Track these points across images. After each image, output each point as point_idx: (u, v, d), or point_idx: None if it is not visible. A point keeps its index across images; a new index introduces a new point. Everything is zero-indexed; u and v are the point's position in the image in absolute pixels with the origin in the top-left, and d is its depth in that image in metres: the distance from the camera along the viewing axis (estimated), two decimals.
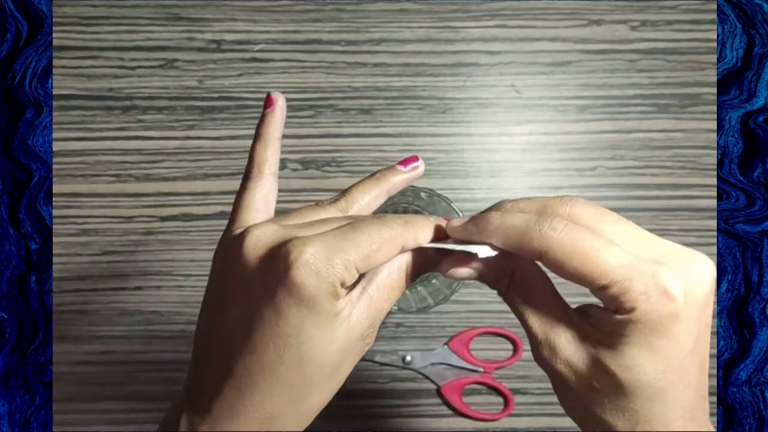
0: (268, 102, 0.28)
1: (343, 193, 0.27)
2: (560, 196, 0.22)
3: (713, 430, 0.23)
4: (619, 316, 0.20)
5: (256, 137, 0.28)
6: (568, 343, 0.22)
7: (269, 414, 0.22)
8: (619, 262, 0.19)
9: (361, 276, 0.23)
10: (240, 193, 0.27)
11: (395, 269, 0.23)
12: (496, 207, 0.23)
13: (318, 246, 0.21)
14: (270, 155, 0.27)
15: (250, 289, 0.22)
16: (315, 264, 0.20)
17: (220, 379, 0.22)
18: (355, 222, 0.22)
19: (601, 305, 0.21)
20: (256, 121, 0.51)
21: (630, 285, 0.19)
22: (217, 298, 0.23)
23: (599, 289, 0.20)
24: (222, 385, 0.22)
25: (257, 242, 0.22)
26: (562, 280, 0.21)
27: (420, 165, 0.29)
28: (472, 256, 0.22)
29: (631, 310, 0.19)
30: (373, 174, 0.28)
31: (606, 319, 0.21)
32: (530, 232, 0.20)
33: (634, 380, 0.21)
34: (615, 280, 0.19)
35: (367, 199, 0.27)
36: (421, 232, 0.23)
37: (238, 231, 0.23)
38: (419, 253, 0.24)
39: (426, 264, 0.24)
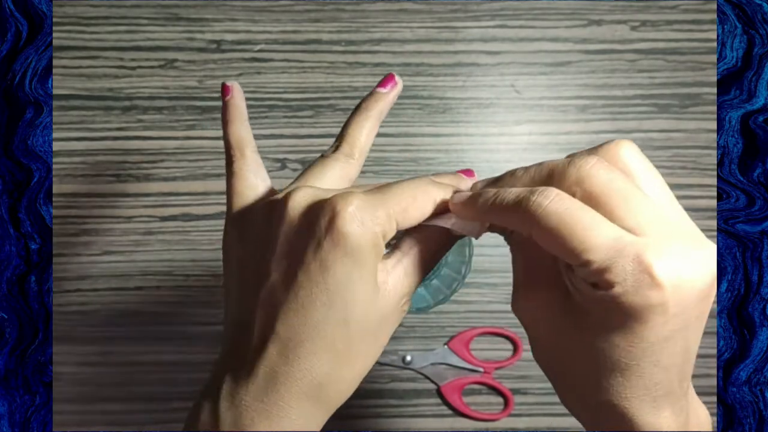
0: (225, 90, 0.28)
1: (340, 136, 0.28)
2: (578, 153, 0.21)
3: (692, 420, 0.22)
4: (596, 292, 0.19)
5: (226, 123, 0.28)
6: (537, 299, 0.22)
7: (316, 380, 0.22)
8: (606, 239, 0.18)
9: (395, 249, 0.24)
10: (231, 180, 0.27)
11: (425, 242, 0.24)
12: (504, 177, 0.23)
13: (361, 199, 0.21)
14: (246, 133, 0.28)
15: (295, 246, 0.22)
16: (360, 215, 0.21)
17: (264, 345, 0.22)
18: (389, 183, 0.23)
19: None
20: (257, 121, 0.52)
21: (611, 265, 0.18)
22: (258, 265, 0.23)
23: (582, 265, 0.19)
24: (266, 350, 0.22)
25: (302, 200, 0.22)
26: None
27: (398, 81, 0.29)
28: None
29: (607, 288, 0.19)
30: (357, 107, 0.28)
31: (584, 291, 0.20)
32: (517, 208, 0.20)
33: (598, 353, 0.20)
34: (593, 259, 0.19)
35: (365, 133, 0.28)
36: (448, 191, 0.24)
37: (276, 197, 0.24)
38: (444, 230, 0.24)
39: (450, 241, 0.25)
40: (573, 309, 0.21)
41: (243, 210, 0.26)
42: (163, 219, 0.51)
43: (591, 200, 0.19)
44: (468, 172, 0.28)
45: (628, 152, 0.21)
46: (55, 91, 0.51)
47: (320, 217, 0.21)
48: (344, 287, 0.21)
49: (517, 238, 0.23)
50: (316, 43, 0.52)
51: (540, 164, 0.22)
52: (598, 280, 0.19)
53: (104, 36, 0.52)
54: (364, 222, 0.21)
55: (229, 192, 0.27)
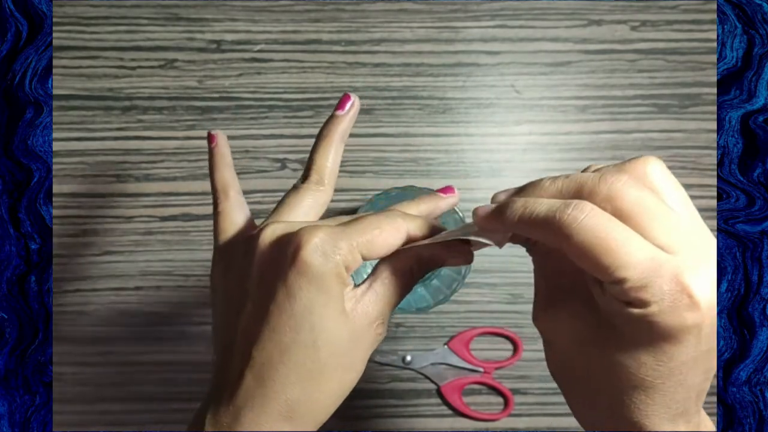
0: (210, 139, 0.31)
1: (308, 166, 0.29)
2: (605, 168, 0.21)
3: (704, 430, 0.22)
4: (629, 310, 0.19)
5: (212, 169, 0.31)
6: (560, 313, 0.22)
7: (289, 402, 0.23)
8: (641, 257, 0.18)
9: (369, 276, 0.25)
10: (216, 219, 0.29)
11: (399, 267, 0.25)
12: (529, 187, 0.22)
13: (324, 231, 0.23)
14: (230, 177, 0.30)
15: (266, 277, 0.23)
16: (322, 246, 0.22)
17: (242, 369, 0.23)
18: (360, 216, 0.24)
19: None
20: (257, 121, 0.52)
21: (648, 285, 0.18)
22: (237, 294, 0.25)
23: (616, 282, 0.19)
24: (244, 374, 0.23)
25: (272, 234, 0.24)
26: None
27: (355, 99, 0.29)
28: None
29: (643, 307, 0.18)
30: (319, 133, 0.29)
31: (615, 307, 0.20)
32: (550, 222, 0.19)
33: (624, 370, 0.20)
34: (629, 277, 0.18)
35: (330, 158, 0.29)
36: (419, 222, 0.25)
37: (251, 233, 0.25)
38: (425, 249, 0.25)
39: (432, 261, 0.25)
40: (599, 324, 0.21)
41: (226, 245, 0.28)
42: (163, 219, 0.51)
43: (622, 218, 0.19)
44: (448, 190, 0.29)
45: (656, 169, 0.21)
46: (55, 91, 0.51)
47: (286, 248, 0.23)
48: (309, 312, 0.22)
49: (541, 249, 0.23)
50: (316, 43, 0.52)
51: (568, 176, 0.21)
52: (632, 298, 0.19)
53: (104, 36, 0.52)
54: (326, 253, 0.22)
55: (216, 230, 0.29)
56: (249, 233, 0.26)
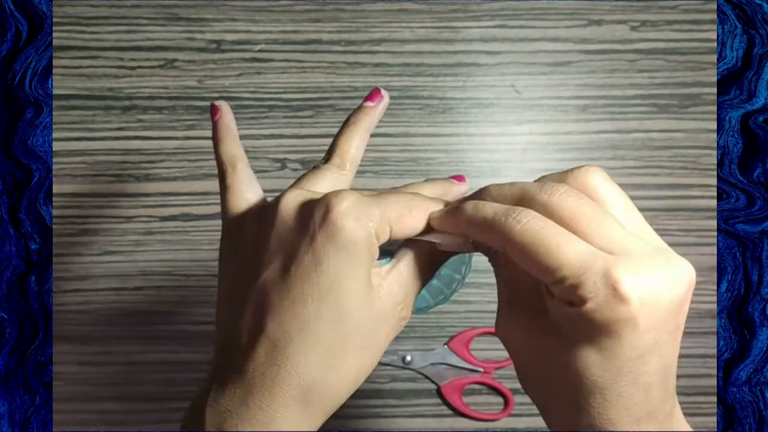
0: (213, 111, 0.29)
1: (331, 149, 0.28)
2: (544, 179, 0.22)
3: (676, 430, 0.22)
4: (569, 309, 0.19)
5: (217, 142, 0.28)
6: (517, 318, 0.22)
7: (304, 382, 0.21)
8: (577, 256, 0.19)
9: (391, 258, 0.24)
10: (224, 194, 0.27)
11: (424, 250, 0.24)
12: (478, 193, 0.23)
13: (355, 196, 0.21)
14: (236, 149, 0.28)
15: (287, 243, 0.22)
16: (355, 210, 0.21)
17: (253, 344, 0.22)
18: (386, 190, 0.23)
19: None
20: (257, 121, 0.52)
21: (583, 281, 0.19)
22: (251, 266, 0.23)
23: (554, 283, 0.19)
24: (255, 350, 0.21)
25: (294, 200, 0.22)
26: None
27: (385, 95, 0.29)
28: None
29: (581, 305, 0.19)
30: (346, 121, 0.29)
31: (558, 309, 0.20)
32: (495, 224, 0.20)
33: (576, 373, 0.20)
34: (566, 276, 0.19)
35: (354, 145, 0.28)
36: (441, 212, 0.24)
37: (268, 201, 0.24)
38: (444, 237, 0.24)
39: (444, 256, 0.25)
40: (551, 330, 0.21)
41: (237, 219, 0.26)
42: (163, 219, 0.51)
43: (561, 224, 0.20)
44: (460, 178, 0.29)
45: (597, 178, 0.21)
46: (55, 91, 0.51)
47: (314, 211, 0.21)
48: (337, 283, 0.21)
49: (500, 260, 0.23)
50: (316, 43, 0.52)
51: (513, 184, 0.22)
52: (571, 296, 0.19)
53: (104, 36, 0.52)
54: (359, 217, 0.21)
55: (223, 207, 0.27)
56: (263, 206, 0.25)
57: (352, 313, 0.21)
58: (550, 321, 0.21)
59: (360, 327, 0.22)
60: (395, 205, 0.22)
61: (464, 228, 0.22)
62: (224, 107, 0.29)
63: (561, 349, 0.21)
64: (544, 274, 0.19)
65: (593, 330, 0.19)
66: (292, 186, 0.26)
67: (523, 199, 0.21)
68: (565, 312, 0.20)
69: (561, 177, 0.22)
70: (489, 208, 0.21)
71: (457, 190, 0.28)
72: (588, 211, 0.20)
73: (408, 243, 0.24)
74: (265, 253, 0.22)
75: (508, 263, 0.23)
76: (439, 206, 0.23)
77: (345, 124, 0.28)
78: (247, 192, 0.27)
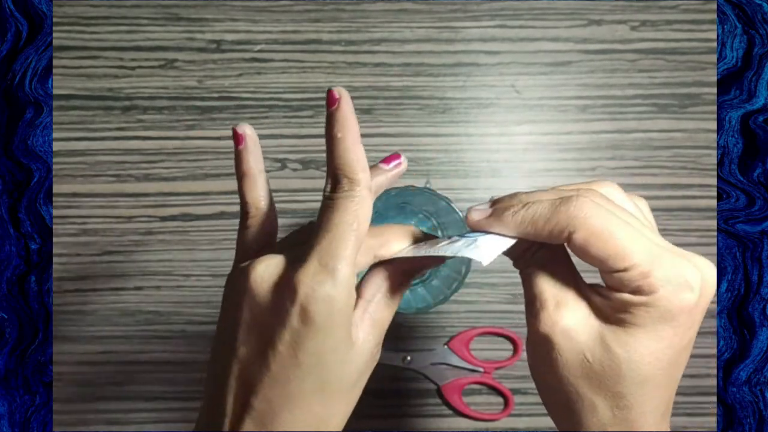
0: (237, 138, 0.26)
1: (333, 169, 0.26)
2: (580, 185, 0.23)
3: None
4: (635, 297, 0.20)
5: (241, 177, 0.26)
6: (573, 313, 0.22)
7: None
8: (644, 247, 0.20)
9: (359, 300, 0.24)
10: (241, 233, 0.26)
11: (388, 285, 0.24)
12: (511, 200, 0.23)
13: (325, 271, 0.21)
14: (261, 190, 0.26)
15: (263, 324, 0.21)
16: (329, 291, 0.20)
17: (241, 415, 0.22)
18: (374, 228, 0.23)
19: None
20: (257, 121, 0.52)
21: (652, 270, 0.20)
22: (229, 335, 0.23)
23: (620, 271, 0.20)
24: (243, 420, 0.22)
25: (263, 276, 0.22)
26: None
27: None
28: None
29: (650, 293, 0.20)
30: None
31: (618, 299, 0.21)
32: (557, 215, 0.20)
33: (630, 360, 0.21)
34: (637, 263, 0.20)
35: (358, 155, 0.26)
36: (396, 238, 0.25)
37: (243, 265, 0.23)
38: (402, 270, 0.24)
39: (416, 269, 0.25)
40: (608, 319, 0.22)
41: (231, 274, 0.25)
42: (163, 219, 0.51)
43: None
44: (394, 157, 0.27)
45: (618, 194, 0.23)
46: (55, 91, 0.51)
47: (286, 295, 0.21)
48: (317, 361, 0.21)
49: (538, 260, 0.23)
50: (316, 43, 0.52)
51: (545, 190, 0.23)
52: (641, 284, 0.20)
53: (104, 36, 0.52)
54: (334, 300, 0.21)
55: (237, 246, 0.26)
56: (241, 265, 0.23)
57: (335, 378, 0.22)
58: (603, 312, 0.22)
59: (343, 386, 0.22)
60: (376, 240, 0.23)
61: (517, 226, 0.22)
62: (249, 135, 0.26)
63: (614, 336, 0.21)
64: (611, 261, 0.20)
65: (658, 318, 0.20)
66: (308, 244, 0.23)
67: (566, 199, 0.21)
68: (629, 301, 0.20)
69: (580, 187, 0.22)
70: (543, 202, 0.21)
71: (391, 177, 0.27)
72: (627, 214, 0.21)
73: (375, 279, 0.24)
74: (240, 328, 0.22)
75: (547, 262, 0.23)
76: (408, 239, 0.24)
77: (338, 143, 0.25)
78: (253, 245, 0.26)
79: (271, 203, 0.26)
